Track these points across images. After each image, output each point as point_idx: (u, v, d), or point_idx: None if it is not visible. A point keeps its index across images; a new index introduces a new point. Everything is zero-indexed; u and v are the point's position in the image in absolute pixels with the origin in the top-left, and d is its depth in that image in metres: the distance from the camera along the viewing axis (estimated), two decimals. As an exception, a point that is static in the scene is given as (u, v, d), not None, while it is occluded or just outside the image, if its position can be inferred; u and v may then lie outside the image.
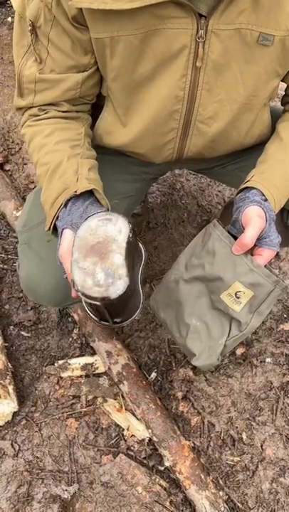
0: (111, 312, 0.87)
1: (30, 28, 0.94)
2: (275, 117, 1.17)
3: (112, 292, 0.81)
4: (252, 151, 1.19)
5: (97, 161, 1.05)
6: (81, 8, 0.88)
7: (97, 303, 0.82)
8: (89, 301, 0.82)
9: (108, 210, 0.96)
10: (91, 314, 0.92)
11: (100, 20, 0.90)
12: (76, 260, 0.82)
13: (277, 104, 1.25)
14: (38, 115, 1.04)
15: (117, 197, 1.24)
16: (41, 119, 1.04)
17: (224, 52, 0.95)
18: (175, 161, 1.19)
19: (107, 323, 0.91)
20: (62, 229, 0.91)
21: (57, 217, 0.94)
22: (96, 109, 1.13)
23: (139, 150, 1.13)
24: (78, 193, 0.91)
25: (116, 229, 0.85)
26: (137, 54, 0.94)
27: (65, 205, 0.93)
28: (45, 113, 1.04)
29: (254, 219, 0.93)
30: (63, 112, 1.04)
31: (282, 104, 1.21)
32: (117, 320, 0.90)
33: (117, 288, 0.81)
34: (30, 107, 1.05)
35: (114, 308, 0.86)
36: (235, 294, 0.98)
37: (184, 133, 1.08)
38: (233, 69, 0.98)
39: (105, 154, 1.18)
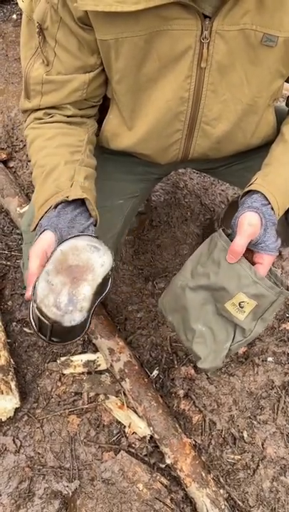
0: (52, 331, 0.83)
1: (37, 30, 0.95)
2: (281, 118, 1.17)
3: (67, 320, 0.78)
4: (257, 151, 1.19)
5: (95, 170, 1.03)
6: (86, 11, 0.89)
7: (47, 322, 0.79)
8: (39, 315, 0.79)
9: (96, 222, 0.94)
10: (32, 322, 0.86)
11: (104, 22, 0.90)
12: (47, 272, 0.79)
13: (281, 104, 1.25)
14: (43, 119, 1.04)
15: (122, 197, 1.25)
16: (45, 123, 1.03)
17: (228, 52, 0.95)
18: (180, 162, 1.19)
19: (43, 337, 0.85)
20: (45, 229, 0.89)
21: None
22: (102, 110, 1.13)
23: (144, 151, 1.13)
24: (70, 199, 0.90)
25: (100, 261, 0.82)
26: (142, 55, 0.94)
27: (55, 207, 0.91)
28: (50, 117, 1.03)
29: (244, 227, 0.95)
30: (68, 116, 1.04)
31: (286, 105, 1.20)
32: (54, 339, 0.85)
33: (73, 319, 0.79)
34: (37, 110, 1.04)
35: (58, 331, 0.82)
36: (239, 304, 1.00)
37: (189, 134, 1.09)
38: (238, 70, 0.98)
39: (110, 154, 1.18)
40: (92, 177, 1.01)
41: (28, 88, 1.02)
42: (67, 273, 0.80)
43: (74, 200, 0.91)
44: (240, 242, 0.95)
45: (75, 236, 0.83)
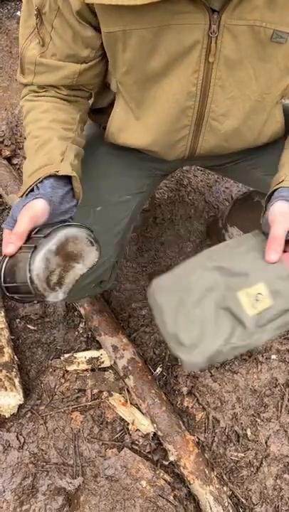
0: (27, 297, 0.90)
1: (36, 12, 0.96)
2: (288, 116, 1.17)
3: (51, 297, 0.88)
4: (264, 148, 1.19)
5: (83, 150, 1.07)
6: (87, 4, 0.90)
7: (31, 291, 0.85)
8: (29, 285, 0.85)
9: (78, 202, 0.98)
10: (2, 276, 0.91)
11: (112, 15, 0.90)
12: (50, 250, 0.86)
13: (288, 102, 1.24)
14: (38, 92, 1.06)
15: (129, 193, 1.25)
16: (41, 96, 1.06)
17: (237, 48, 0.94)
18: (187, 158, 1.19)
19: (7, 293, 0.92)
20: (39, 197, 0.90)
21: (36, 187, 0.93)
22: (108, 108, 1.13)
23: (152, 148, 1.12)
24: (59, 174, 0.92)
25: (91, 256, 0.92)
26: (150, 48, 0.94)
27: (46, 178, 0.93)
28: (45, 91, 1.06)
29: (277, 217, 0.89)
30: (62, 94, 1.06)
31: None
32: (19, 298, 0.92)
33: (56, 297, 0.88)
34: (31, 84, 1.07)
35: (35, 297, 0.89)
36: (256, 296, 0.89)
37: (196, 130, 1.08)
38: (246, 65, 0.97)
39: (117, 150, 1.18)
40: (80, 156, 1.04)
41: (23, 66, 1.04)
42: (63, 257, 0.89)
43: (63, 177, 0.94)
44: (277, 231, 0.88)
45: (76, 225, 0.91)
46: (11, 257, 0.89)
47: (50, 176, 0.92)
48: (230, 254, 0.95)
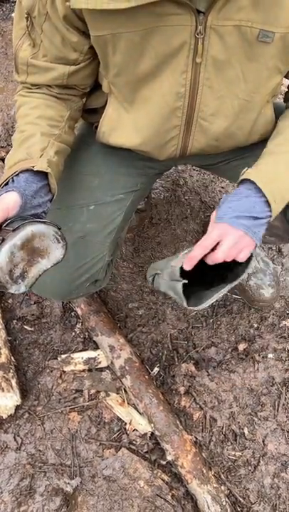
0: None
1: (26, 15, 0.99)
2: (279, 114, 1.17)
3: (13, 289, 0.91)
4: (257, 147, 1.19)
5: (70, 148, 1.09)
6: (73, 10, 0.91)
7: None
8: None
9: (53, 197, 1.00)
10: None
11: (99, 19, 0.91)
12: (14, 245, 0.88)
13: (280, 101, 1.25)
14: (31, 89, 1.09)
15: (122, 191, 1.25)
16: (33, 92, 1.08)
17: (224, 48, 0.95)
18: (179, 158, 1.19)
19: None
20: (11, 190, 0.92)
21: (12, 180, 0.96)
22: (101, 107, 1.14)
23: (143, 148, 1.13)
24: (35, 169, 0.94)
25: (57, 253, 0.95)
26: (139, 51, 0.95)
27: (22, 172, 0.95)
28: (37, 88, 1.08)
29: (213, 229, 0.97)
30: (54, 92, 1.08)
31: (284, 101, 1.20)
32: None
33: (18, 289, 0.91)
34: (25, 83, 1.10)
35: None
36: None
37: (186, 130, 1.09)
38: (234, 65, 0.98)
39: (110, 148, 1.19)
40: (63, 153, 1.05)
41: (17, 66, 1.08)
42: (28, 252, 0.91)
43: (39, 172, 0.95)
44: (194, 254, 0.98)
45: (45, 222, 0.93)
46: None
47: (26, 170, 0.94)
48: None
